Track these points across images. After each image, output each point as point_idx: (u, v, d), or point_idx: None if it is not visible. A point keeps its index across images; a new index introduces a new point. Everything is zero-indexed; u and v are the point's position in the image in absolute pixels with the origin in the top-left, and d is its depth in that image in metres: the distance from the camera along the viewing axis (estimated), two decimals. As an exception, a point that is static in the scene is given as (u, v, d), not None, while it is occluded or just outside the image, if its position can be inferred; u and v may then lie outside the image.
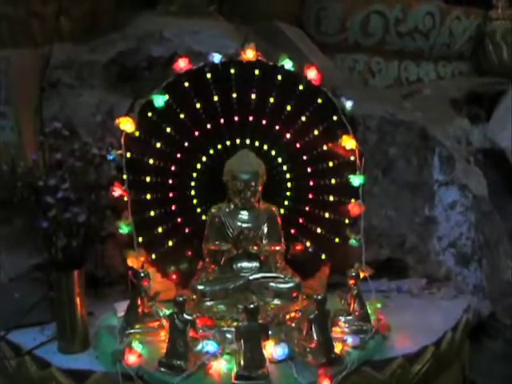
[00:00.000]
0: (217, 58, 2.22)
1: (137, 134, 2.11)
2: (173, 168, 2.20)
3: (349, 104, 2.25)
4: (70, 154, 1.97)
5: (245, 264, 2.11)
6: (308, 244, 2.29)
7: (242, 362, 1.77)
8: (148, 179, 2.17)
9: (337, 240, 2.28)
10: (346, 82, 2.99)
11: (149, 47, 2.60)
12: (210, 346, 1.85)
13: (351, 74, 3.32)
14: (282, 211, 2.25)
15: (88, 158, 1.99)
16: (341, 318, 2.04)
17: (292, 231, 2.27)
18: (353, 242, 2.21)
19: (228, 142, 2.23)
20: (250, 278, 2.08)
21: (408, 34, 3.32)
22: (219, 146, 2.23)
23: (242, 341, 1.78)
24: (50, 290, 2.09)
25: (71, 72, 2.54)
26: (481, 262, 2.65)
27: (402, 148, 2.70)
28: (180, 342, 1.80)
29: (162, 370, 1.78)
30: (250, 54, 2.22)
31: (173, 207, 2.21)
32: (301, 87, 2.24)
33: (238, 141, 2.24)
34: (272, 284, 2.07)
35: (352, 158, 2.23)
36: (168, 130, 2.18)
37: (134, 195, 2.10)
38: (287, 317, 2.02)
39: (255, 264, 2.11)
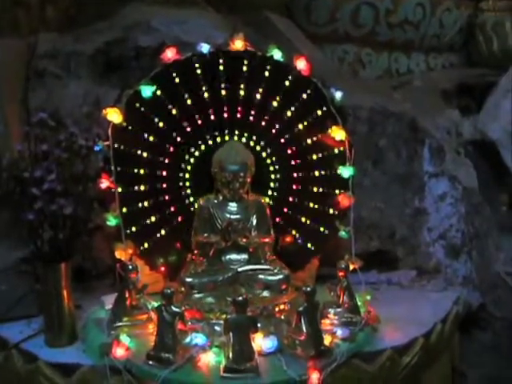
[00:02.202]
0: (205, 48, 2.19)
1: (124, 124, 2.09)
2: (161, 159, 2.18)
3: (338, 95, 2.23)
4: (57, 145, 1.95)
5: (233, 256, 2.10)
6: (297, 236, 2.27)
7: (230, 355, 1.76)
8: (136, 170, 2.14)
9: (326, 232, 2.27)
10: (336, 72, 2.98)
11: (136, 37, 2.57)
12: (198, 338, 1.84)
13: (341, 64, 3.32)
14: (270, 202, 2.23)
15: (75, 148, 1.96)
16: (330, 310, 2.03)
17: (281, 223, 2.26)
18: (342, 233, 2.19)
19: (217, 133, 2.21)
20: (239, 270, 2.07)
21: (398, 25, 3.32)
22: (208, 137, 2.21)
23: (231, 333, 1.77)
24: (36, 283, 2.07)
25: (57, 62, 2.51)
26: (471, 254, 2.65)
27: (392, 139, 2.69)
28: (168, 335, 1.79)
29: (150, 362, 1.77)
30: (238, 44, 2.20)
31: (161, 198, 2.19)
32: (290, 78, 2.22)
33: (226, 135, 2.22)
34: (261, 276, 2.06)
35: (342, 149, 2.21)
36: (156, 120, 2.16)
37: (121, 187, 2.08)
38: (276, 309, 2.01)
39: (244, 256, 2.10)
